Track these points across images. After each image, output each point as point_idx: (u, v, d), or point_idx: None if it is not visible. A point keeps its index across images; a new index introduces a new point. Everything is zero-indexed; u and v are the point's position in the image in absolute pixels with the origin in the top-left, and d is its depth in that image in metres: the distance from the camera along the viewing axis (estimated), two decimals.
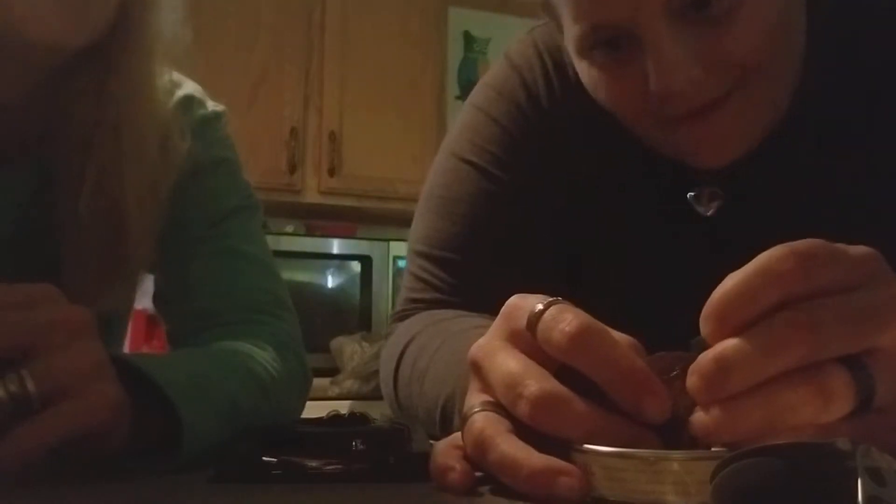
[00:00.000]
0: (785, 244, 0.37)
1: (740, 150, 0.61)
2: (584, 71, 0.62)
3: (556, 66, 0.74)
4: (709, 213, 0.66)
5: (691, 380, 0.37)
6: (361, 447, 0.48)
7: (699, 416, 0.37)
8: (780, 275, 0.36)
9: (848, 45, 0.65)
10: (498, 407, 0.41)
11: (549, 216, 0.73)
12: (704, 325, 0.38)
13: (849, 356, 0.36)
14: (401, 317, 0.75)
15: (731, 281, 0.37)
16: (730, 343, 0.36)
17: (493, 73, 0.78)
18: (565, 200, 0.72)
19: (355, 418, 0.55)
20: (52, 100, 0.69)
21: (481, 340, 0.44)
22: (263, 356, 0.69)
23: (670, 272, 0.69)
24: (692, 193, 0.66)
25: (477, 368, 0.44)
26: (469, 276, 0.72)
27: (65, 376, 0.44)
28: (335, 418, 0.55)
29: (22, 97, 0.69)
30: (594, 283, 0.71)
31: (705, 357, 0.36)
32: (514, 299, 0.44)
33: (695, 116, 0.57)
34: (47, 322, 0.44)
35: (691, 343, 0.39)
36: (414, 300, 0.75)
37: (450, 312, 0.69)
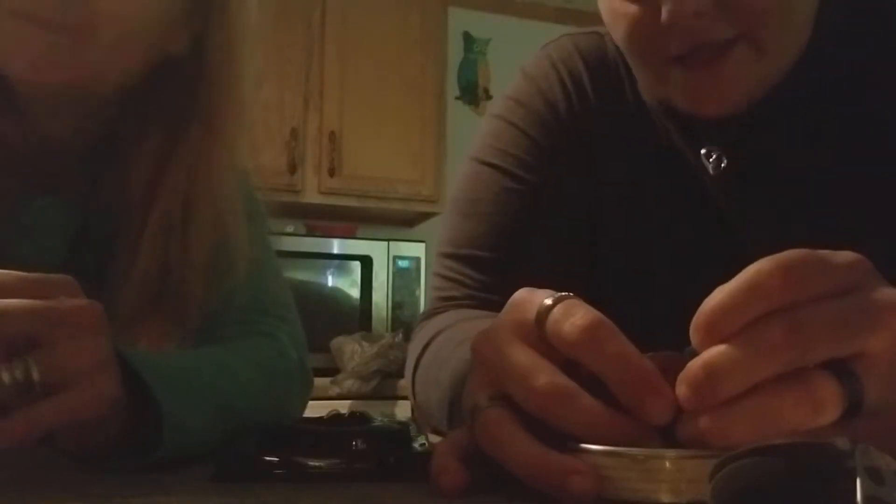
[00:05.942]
0: (771, 257, 0.37)
1: (736, 102, 0.61)
2: (606, 4, 0.63)
3: (571, 75, 0.76)
4: (716, 172, 0.66)
5: (680, 389, 0.37)
6: (362, 447, 0.48)
7: (688, 424, 0.37)
8: (767, 289, 0.36)
9: (857, 18, 0.66)
10: (505, 400, 0.41)
11: (571, 215, 0.74)
12: (694, 337, 0.38)
13: (837, 362, 0.36)
14: (430, 315, 0.75)
15: (719, 294, 0.37)
16: (717, 350, 0.36)
17: (512, 86, 0.80)
18: (587, 201, 0.74)
19: (355, 418, 0.55)
20: (108, 144, 0.69)
21: (486, 332, 0.44)
22: (264, 356, 0.69)
23: (690, 271, 0.69)
24: (703, 151, 0.67)
25: (482, 360, 0.44)
26: (497, 272, 0.72)
27: (68, 369, 0.44)
28: (335, 418, 0.56)
29: (67, 132, 0.68)
30: (614, 282, 0.72)
31: (694, 364, 0.37)
32: (522, 292, 0.44)
33: (698, 59, 0.59)
34: (59, 312, 0.45)
35: (684, 352, 0.39)
36: (444, 298, 0.75)
37: (481, 312, 0.69)
